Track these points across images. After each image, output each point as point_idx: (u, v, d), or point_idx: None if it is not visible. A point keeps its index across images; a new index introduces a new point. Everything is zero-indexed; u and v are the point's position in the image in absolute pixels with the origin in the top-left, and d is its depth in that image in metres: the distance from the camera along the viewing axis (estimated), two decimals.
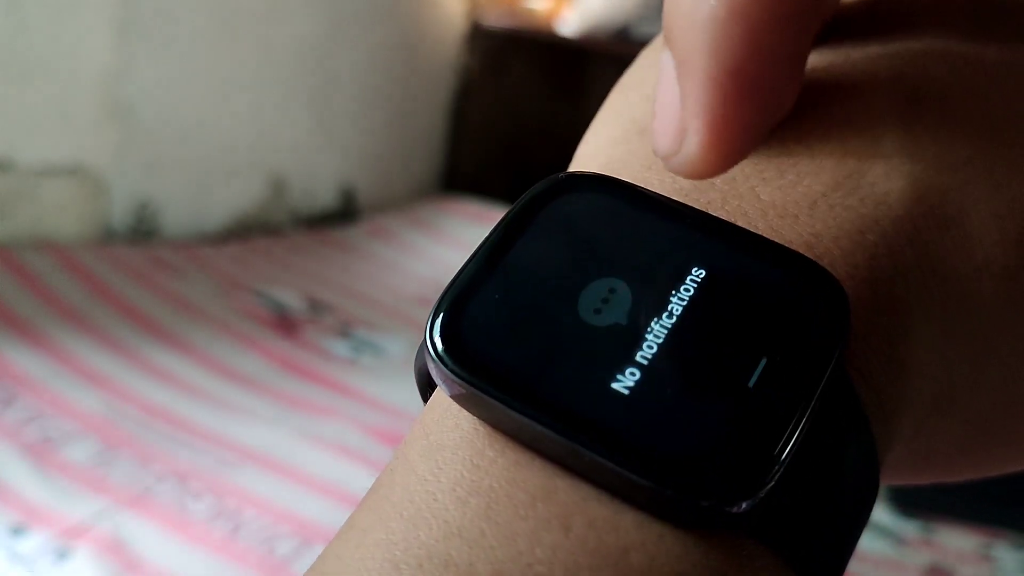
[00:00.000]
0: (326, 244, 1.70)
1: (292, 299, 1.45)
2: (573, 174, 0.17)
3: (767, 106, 0.14)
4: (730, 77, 0.14)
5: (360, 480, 1.02)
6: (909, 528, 1.12)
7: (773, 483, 0.13)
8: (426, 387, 0.17)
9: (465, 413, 0.15)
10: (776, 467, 0.13)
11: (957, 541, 1.10)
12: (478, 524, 0.14)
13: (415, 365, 0.17)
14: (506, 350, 0.15)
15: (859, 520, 0.15)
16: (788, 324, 0.15)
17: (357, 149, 1.88)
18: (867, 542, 1.08)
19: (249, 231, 1.68)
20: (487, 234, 0.16)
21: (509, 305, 0.15)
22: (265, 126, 1.71)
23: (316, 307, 1.44)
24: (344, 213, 1.85)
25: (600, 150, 0.19)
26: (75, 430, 1.04)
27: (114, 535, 0.89)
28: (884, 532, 1.10)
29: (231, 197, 1.68)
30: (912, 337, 0.16)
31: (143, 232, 1.56)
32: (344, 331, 1.38)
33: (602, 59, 1.88)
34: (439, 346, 0.15)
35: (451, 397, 0.15)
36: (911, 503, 1.13)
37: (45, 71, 1.40)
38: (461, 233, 1.79)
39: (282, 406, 1.16)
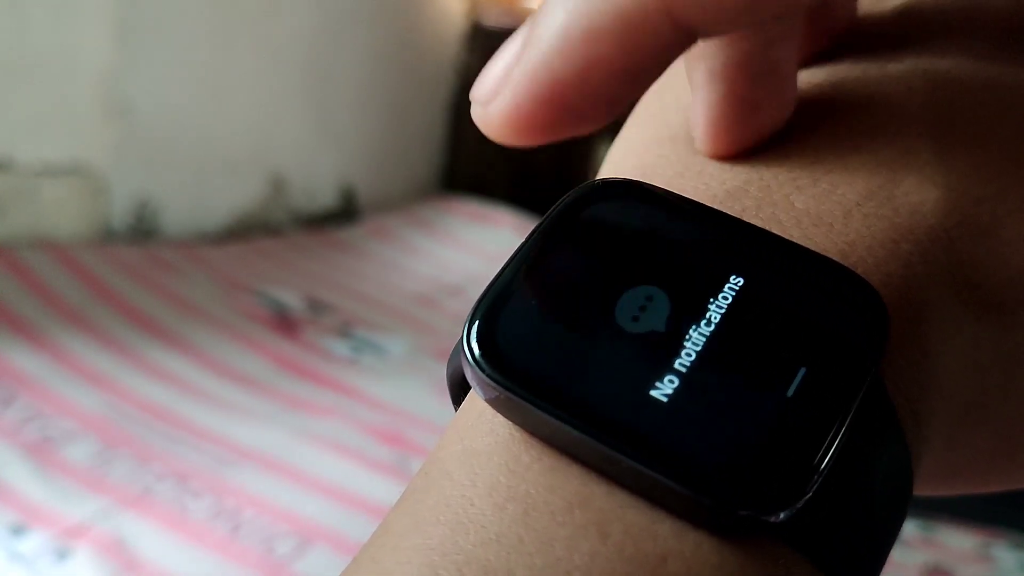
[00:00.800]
0: (326, 244, 1.70)
1: (292, 299, 1.45)
2: (608, 180, 0.17)
3: (567, 122, 0.15)
4: (546, 87, 0.15)
5: (360, 480, 1.03)
6: (909, 527, 1.12)
7: (811, 493, 0.13)
8: (458, 391, 0.17)
9: (500, 418, 0.15)
10: (815, 477, 0.13)
11: (957, 541, 1.10)
12: (516, 530, 0.14)
13: (448, 369, 0.17)
14: (542, 356, 0.15)
15: (893, 529, 0.15)
16: (826, 333, 0.15)
17: (357, 148, 1.88)
18: None
19: (249, 230, 1.68)
20: (523, 240, 0.16)
21: (545, 311, 0.15)
22: (265, 125, 1.71)
23: (316, 307, 1.44)
24: (344, 212, 1.85)
25: (632, 154, 0.19)
26: (75, 430, 1.04)
27: (114, 535, 0.89)
28: None
29: (231, 196, 1.68)
30: (946, 347, 0.16)
31: (143, 231, 1.56)
32: (344, 331, 1.38)
33: None
34: (476, 350, 0.15)
35: (487, 401, 0.15)
36: (911, 503, 1.13)
37: (45, 70, 1.40)
38: (461, 233, 1.79)
39: (282, 406, 1.16)
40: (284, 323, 1.37)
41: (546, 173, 1.94)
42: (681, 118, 0.19)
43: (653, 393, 0.14)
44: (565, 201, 0.17)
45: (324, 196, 1.83)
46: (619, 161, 0.19)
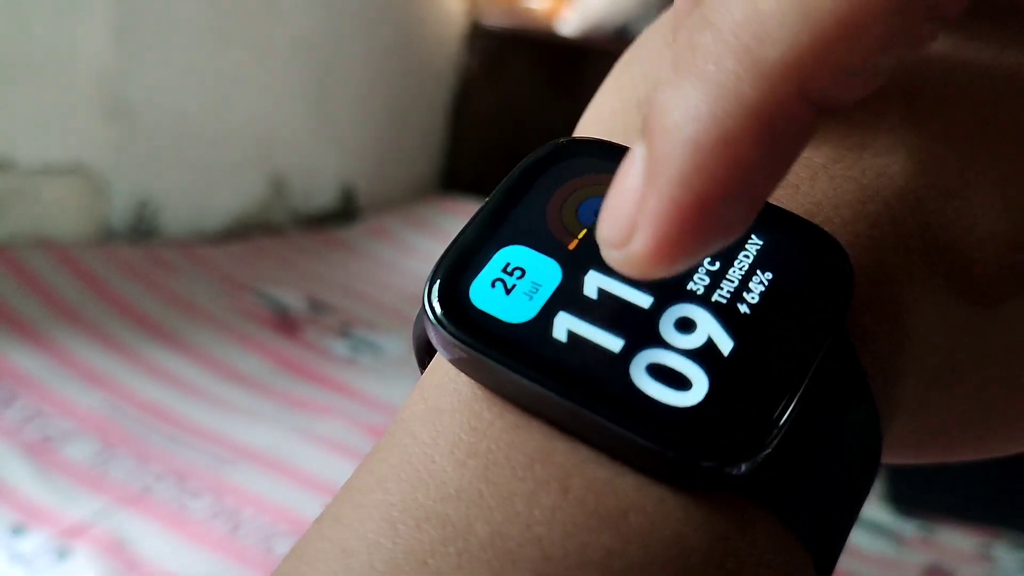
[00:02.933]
0: (326, 244, 1.70)
1: (292, 299, 1.45)
2: (571, 139, 0.17)
3: (723, 232, 0.14)
4: (695, 208, 0.13)
5: None
6: (908, 528, 1.12)
7: (772, 446, 0.13)
8: (424, 354, 0.17)
9: (463, 377, 0.15)
10: (775, 431, 0.13)
11: (956, 541, 1.10)
12: (476, 485, 0.14)
13: (413, 332, 0.17)
14: (503, 313, 0.15)
15: (861, 487, 0.15)
16: (789, 288, 0.15)
17: (357, 148, 1.88)
18: (867, 541, 1.08)
19: (249, 230, 1.68)
20: (487, 199, 0.16)
21: (506, 269, 0.15)
22: (265, 125, 1.71)
23: (316, 307, 1.44)
24: (344, 212, 1.85)
25: (600, 121, 0.19)
26: (75, 429, 1.04)
27: (114, 534, 0.89)
28: (884, 532, 1.10)
29: (231, 196, 1.68)
30: (915, 306, 0.16)
31: (143, 231, 1.56)
32: (344, 331, 1.38)
33: (602, 59, 1.87)
34: (437, 310, 0.15)
35: (450, 361, 0.15)
36: (911, 503, 1.13)
37: (45, 70, 1.40)
38: None
39: (281, 405, 1.16)
40: (284, 323, 1.37)
41: None
42: (649, 89, 0.19)
43: (614, 348, 0.14)
44: (530, 159, 0.17)
45: (324, 196, 1.83)
46: (587, 126, 0.20)
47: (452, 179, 2.08)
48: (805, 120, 0.13)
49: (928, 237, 0.16)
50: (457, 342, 0.14)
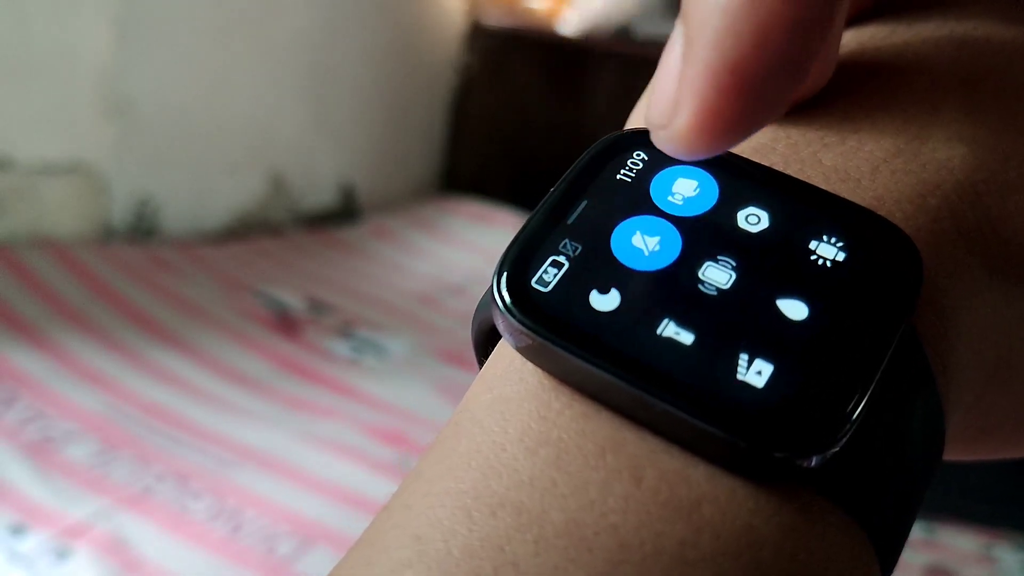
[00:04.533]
0: (327, 244, 1.69)
1: (293, 299, 1.45)
2: (633, 130, 0.17)
3: (763, 104, 0.14)
4: (728, 72, 0.13)
5: (361, 480, 1.02)
6: (911, 529, 1.12)
7: (845, 439, 0.13)
8: (485, 344, 0.17)
9: (529, 366, 0.15)
10: (848, 424, 0.13)
11: (959, 541, 1.10)
12: (549, 473, 0.14)
13: (474, 321, 0.17)
14: (572, 302, 0.15)
15: (926, 479, 0.15)
16: (859, 281, 0.15)
17: (357, 147, 1.87)
18: None
19: (250, 229, 1.68)
20: (551, 189, 0.16)
21: (573, 257, 0.15)
22: (265, 123, 1.71)
23: (317, 307, 1.44)
24: (344, 212, 1.85)
25: None
26: (75, 430, 1.04)
27: (114, 535, 0.89)
28: None
29: (231, 194, 1.68)
30: (974, 301, 0.16)
31: (143, 230, 1.56)
32: (345, 331, 1.38)
33: (602, 58, 1.88)
34: (506, 298, 0.15)
35: (517, 349, 0.15)
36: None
37: (44, 69, 1.40)
38: (462, 233, 1.79)
39: (282, 406, 1.16)
40: (285, 323, 1.37)
41: (546, 173, 1.94)
42: None
43: (684, 338, 0.14)
44: (591, 150, 0.17)
45: (324, 195, 1.82)
46: (642, 118, 0.19)
47: (452, 179, 2.08)
48: None
49: (987, 231, 0.16)
50: (526, 329, 0.14)
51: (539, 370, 0.15)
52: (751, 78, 0.13)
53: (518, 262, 0.15)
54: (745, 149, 0.17)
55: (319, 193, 1.81)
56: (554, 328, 0.14)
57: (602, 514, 0.13)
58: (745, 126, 0.14)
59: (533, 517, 0.13)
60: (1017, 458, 0.19)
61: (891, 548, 0.15)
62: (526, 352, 0.15)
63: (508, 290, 0.15)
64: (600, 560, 0.13)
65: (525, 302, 0.15)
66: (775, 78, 0.13)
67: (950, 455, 0.18)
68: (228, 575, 0.88)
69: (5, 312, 1.23)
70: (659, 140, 0.14)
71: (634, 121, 0.20)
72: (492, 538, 0.13)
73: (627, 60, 1.81)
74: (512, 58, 2.03)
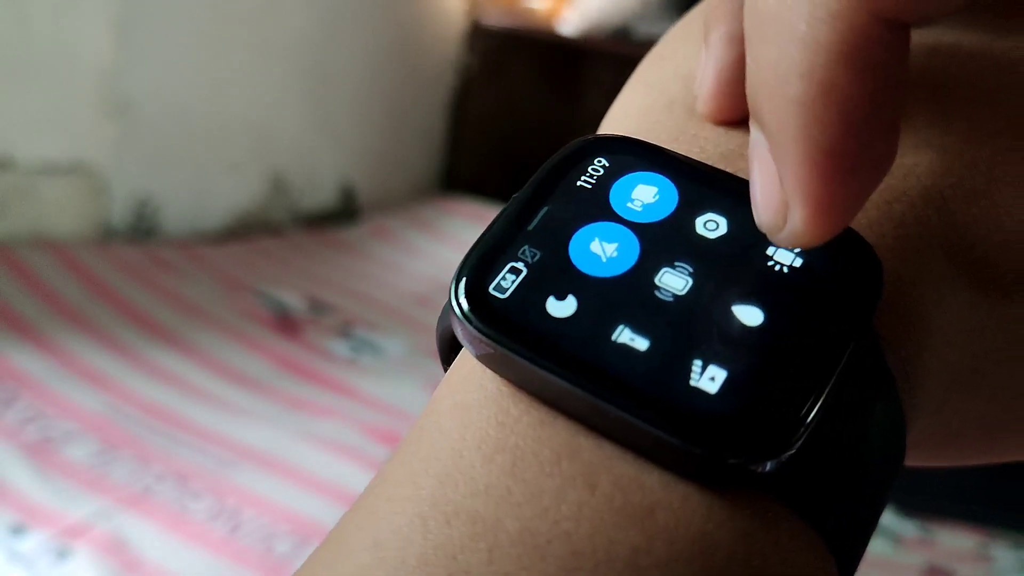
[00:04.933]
0: (327, 244, 1.69)
1: (293, 299, 1.45)
2: (601, 136, 0.17)
3: (868, 173, 0.14)
4: (827, 157, 0.13)
5: (359, 480, 1.02)
6: (907, 528, 1.12)
7: (799, 444, 0.13)
8: (448, 351, 0.17)
9: (490, 373, 0.15)
10: (802, 429, 0.13)
11: (955, 541, 1.10)
12: (504, 481, 0.14)
13: (437, 328, 0.17)
14: (529, 309, 0.15)
15: (885, 486, 0.15)
16: (817, 287, 0.15)
17: (356, 147, 1.88)
18: None
19: (249, 229, 1.68)
20: (514, 194, 0.16)
21: (532, 264, 0.15)
22: (265, 123, 1.71)
23: (317, 307, 1.44)
24: (344, 212, 1.85)
25: (628, 118, 0.19)
26: (75, 430, 1.04)
27: (114, 535, 0.89)
28: (882, 532, 1.10)
29: (231, 194, 1.68)
30: (938, 307, 0.16)
31: (143, 230, 1.56)
32: (344, 331, 1.38)
33: (602, 59, 1.88)
34: (464, 306, 0.15)
35: (476, 357, 0.15)
36: (909, 503, 1.13)
37: (44, 69, 1.40)
38: (461, 233, 1.79)
39: (282, 406, 1.16)
40: (284, 323, 1.37)
41: None
42: (680, 87, 0.19)
43: (639, 344, 0.14)
44: (556, 156, 0.17)
45: (324, 195, 1.83)
46: (615, 123, 0.20)
47: (452, 179, 2.08)
48: (891, 39, 0.13)
49: (953, 237, 0.16)
50: (484, 338, 0.14)
51: (498, 377, 0.15)
52: (849, 153, 0.13)
53: (477, 268, 0.15)
54: (714, 155, 0.17)
55: (319, 193, 1.81)
56: (511, 335, 0.14)
57: (555, 521, 0.13)
58: (857, 199, 0.14)
59: (488, 526, 0.14)
60: (980, 463, 0.19)
61: (849, 552, 0.15)
62: (484, 359, 0.15)
63: (466, 297, 0.15)
64: (553, 568, 0.13)
65: (483, 309, 0.15)
66: (871, 144, 0.13)
67: (914, 461, 0.18)
68: (228, 575, 0.88)
69: (5, 312, 1.23)
70: (782, 242, 0.14)
71: (607, 127, 0.20)
72: (446, 547, 0.14)
73: (626, 60, 1.80)
74: (511, 58, 2.03)
